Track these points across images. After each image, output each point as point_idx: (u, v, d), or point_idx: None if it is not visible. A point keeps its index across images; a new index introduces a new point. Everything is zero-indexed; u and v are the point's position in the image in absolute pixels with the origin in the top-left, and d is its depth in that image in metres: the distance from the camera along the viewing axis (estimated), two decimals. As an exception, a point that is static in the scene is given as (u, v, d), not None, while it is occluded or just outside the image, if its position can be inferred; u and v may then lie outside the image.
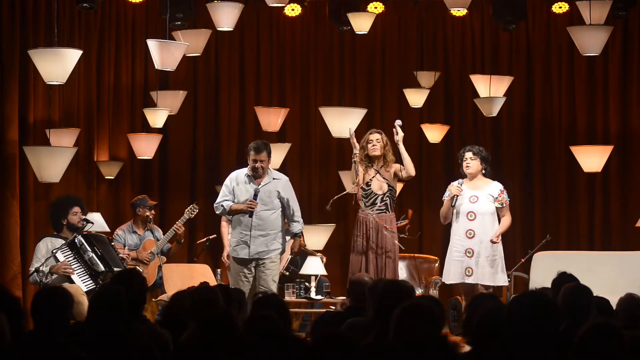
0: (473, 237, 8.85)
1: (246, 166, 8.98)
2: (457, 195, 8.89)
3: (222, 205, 8.79)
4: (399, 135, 9.10)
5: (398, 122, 9.20)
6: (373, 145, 9.08)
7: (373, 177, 9.07)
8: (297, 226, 8.95)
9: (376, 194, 9.04)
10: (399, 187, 11.38)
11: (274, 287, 8.77)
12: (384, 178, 9.08)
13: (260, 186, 8.73)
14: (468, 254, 8.84)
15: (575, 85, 12.46)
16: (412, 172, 9.20)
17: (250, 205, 8.63)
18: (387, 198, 9.08)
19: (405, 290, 5.26)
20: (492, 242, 8.86)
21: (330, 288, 10.65)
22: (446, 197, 9.03)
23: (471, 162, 9.00)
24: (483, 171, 9.06)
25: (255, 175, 8.76)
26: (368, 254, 9.03)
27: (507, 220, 9.00)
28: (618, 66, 12.37)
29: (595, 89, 12.42)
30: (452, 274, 8.94)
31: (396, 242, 9.07)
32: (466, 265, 8.85)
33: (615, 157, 11.96)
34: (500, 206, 8.97)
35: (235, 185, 8.80)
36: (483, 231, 8.87)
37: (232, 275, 8.87)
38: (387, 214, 9.10)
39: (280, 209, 8.84)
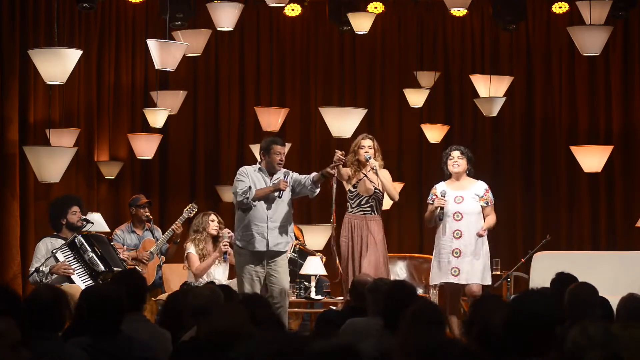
0: (460, 237, 8.83)
1: (250, 164, 8.98)
2: (442, 207, 8.85)
3: (249, 192, 8.52)
4: (375, 164, 8.99)
5: (367, 155, 9.05)
6: (365, 152, 9.04)
7: (360, 179, 9.03)
8: (309, 175, 8.71)
9: (362, 196, 9.03)
10: (398, 186, 11.40)
11: (287, 285, 8.75)
12: (371, 181, 9.04)
13: (273, 179, 8.62)
14: (455, 254, 8.82)
15: (576, 85, 12.47)
16: (395, 197, 9.21)
17: (283, 184, 8.48)
18: (373, 200, 9.04)
19: (410, 290, 5.27)
20: (479, 235, 8.81)
21: (330, 288, 10.64)
22: (429, 200, 9.02)
23: (459, 161, 8.98)
24: (467, 171, 9.05)
25: (272, 171, 8.66)
26: (355, 256, 8.98)
27: (492, 218, 8.96)
28: (619, 66, 12.37)
29: (596, 89, 12.42)
30: (436, 275, 8.93)
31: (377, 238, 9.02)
32: (453, 265, 8.83)
33: (617, 157, 11.96)
34: (486, 205, 8.93)
35: (249, 177, 8.64)
36: (469, 231, 8.85)
37: (244, 271, 8.61)
38: (373, 215, 9.07)
39: (291, 202, 8.74)
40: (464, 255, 8.80)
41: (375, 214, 9.05)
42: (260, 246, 8.57)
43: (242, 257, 8.62)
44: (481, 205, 8.91)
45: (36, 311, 4.54)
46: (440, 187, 8.99)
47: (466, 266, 8.80)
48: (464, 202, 8.87)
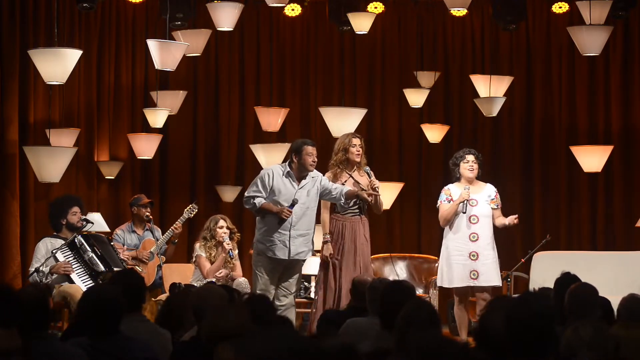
0: (477, 240, 8.84)
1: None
2: (468, 200, 8.85)
3: (253, 201, 8.46)
4: (378, 185, 8.92)
5: (366, 169, 8.98)
6: (357, 151, 8.95)
7: (346, 181, 8.92)
8: (340, 187, 8.64)
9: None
10: (398, 186, 11.40)
11: (296, 289, 8.72)
12: (357, 182, 8.95)
13: (300, 186, 8.52)
14: (472, 257, 8.82)
15: (576, 86, 12.47)
16: (380, 211, 9.17)
17: (286, 214, 8.37)
18: (360, 202, 8.94)
19: (407, 291, 5.27)
20: (512, 222, 8.87)
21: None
22: (444, 200, 8.97)
23: (474, 165, 8.98)
24: (477, 176, 9.07)
25: (302, 174, 8.54)
26: (339, 258, 8.87)
27: (503, 219, 9.03)
28: (619, 66, 12.37)
29: (596, 89, 12.42)
30: (456, 278, 8.87)
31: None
32: (471, 268, 8.82)
33: (617, 157, 11.96)
34: (496, 207, 8.98)
35: (274, 181, 8.50)
36: (484, 234, 8.88)
37: (260, 270, 8.57)
38: (360, 217, 8.99)
39: (316, 210, 8.63)
40: (480, 258, 8.81)
41: (362, 214, 8.97)
42: (281, 254, 8.48)
43: (260, 257, 8.55)
44: (492, 208, 8.92)
45: (29, 311, 4.52)
46: (453, 187, 8.97)
47: (484, 268, 8.81)
48: (479, 205, 8.90)
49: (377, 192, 8.84)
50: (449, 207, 8.88)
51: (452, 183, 9.06)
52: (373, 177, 8.83)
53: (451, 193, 8.94)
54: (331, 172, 8.93)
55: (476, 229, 8.85)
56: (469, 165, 8.96)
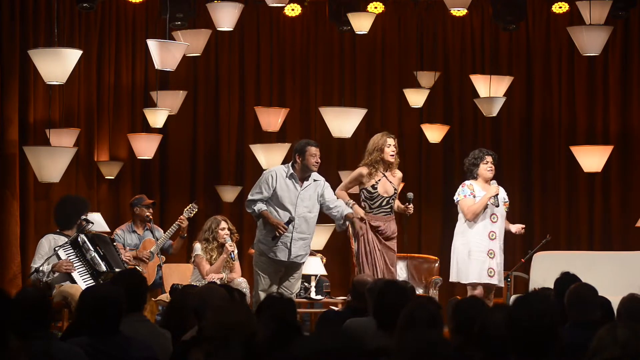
0: (495, 238, 8.90)
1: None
2: (497, 195, 8.90)
3: (254, 207, 8.49)
4: (411, 210, 9.02)
5: (410, 196, 9.07)
6: (392, 151, 8.99)
7: (379, 180, 8.97)
8: (342, 206, 8.64)
9: (382, 197, 8.96)
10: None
11: (297, 289, 8.75)
12: (390, 182, 9.01)
13: (303, 188, 8.52)
14: (490, 255, 8.87)
15: (575, 85, 12.47)
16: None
17: (281, 230, 8.39)
18: (392, 201, 9.02)
19: (402, 291, 5.26)
20: (518, 231, 9.08)
21: (330, 288, 10.65)
22: (468, 194, 8.95)
23: (492, 166, 9.04)
24: None
25: (305, 175, 8.54)
26: (369, 257, 8.92)
27: (509, 224, 9.13)
28: (619, 66, 12.37)
29: (595, 89, 12.42)
30: (471, 274, 8.89)
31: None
32: (488, 265, 8.87)
33: (615, 157, 11.96)
34: (507, 210, 9.09)
35: (277, 182, 8.49)
36: (501, 233, 8.95)
37: (261, 272, 8.60)
38: (392, 215, 9.06)
39: (317, 211, 8.66)
40: (496, 257, 8.87)
41: (393, 214, 9.06)
42: (281, 256, 8.50)
43: (262, 257, 8.57)
44: (505, 211, 9.02)
45: (29, 311, 4.52)
46: (474, 183, 8.98)
47: (497, 267, 8.88)
48: (498, 205, 8.96)
49: (408, 215, 9.08)
50: (480, 200, 8.89)
51: (468, 180, 9.08)
52: (411, 205, 8.94)
53: (474, 189, 8.96)
54: (367, 170, 8.95)
55: (495, 227, 8.92)
56: (488, 166, 9.03)
